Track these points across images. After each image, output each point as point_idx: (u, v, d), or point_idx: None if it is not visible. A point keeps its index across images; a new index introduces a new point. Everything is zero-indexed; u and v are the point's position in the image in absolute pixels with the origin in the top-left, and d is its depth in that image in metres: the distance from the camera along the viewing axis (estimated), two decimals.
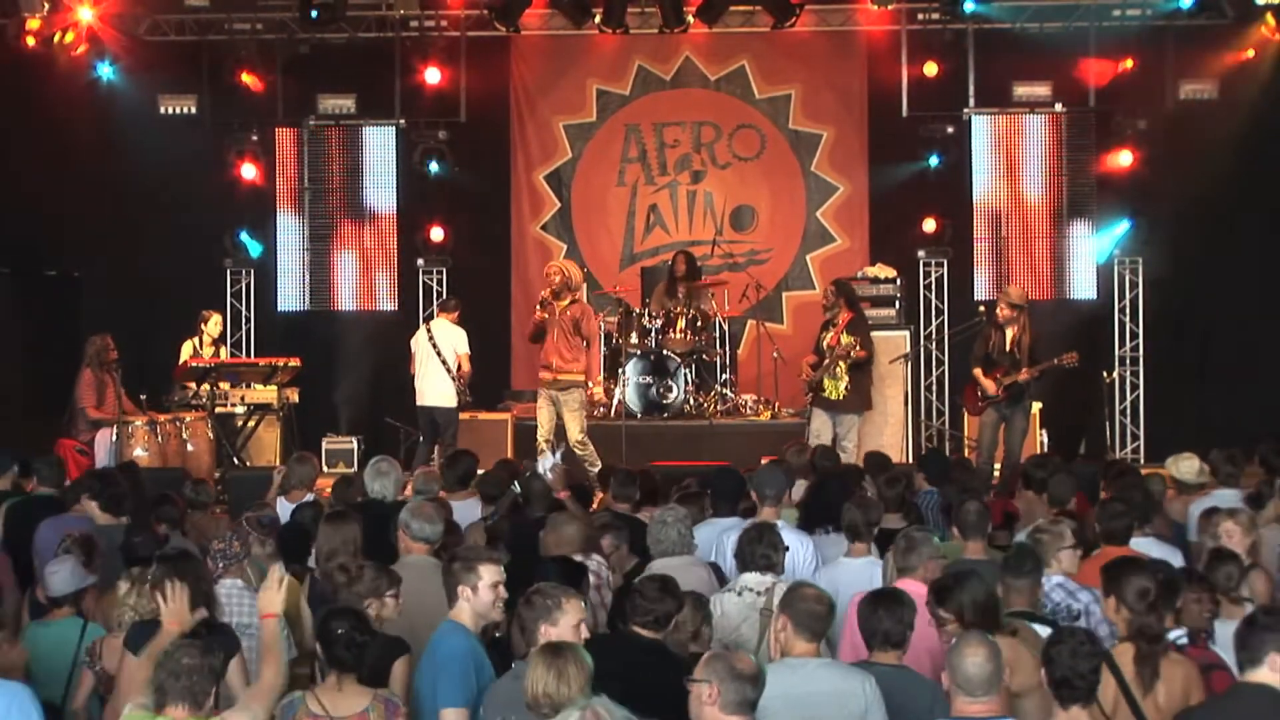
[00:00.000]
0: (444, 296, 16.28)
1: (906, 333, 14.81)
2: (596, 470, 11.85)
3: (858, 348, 12.81)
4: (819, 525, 7.94)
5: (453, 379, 13.22)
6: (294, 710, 5.31)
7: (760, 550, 6.72)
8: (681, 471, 10.84)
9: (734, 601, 6.54)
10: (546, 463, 9.49)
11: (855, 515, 7.37)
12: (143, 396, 13.21)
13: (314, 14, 14.84)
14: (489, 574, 5.61)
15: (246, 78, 15.83)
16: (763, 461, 10.82)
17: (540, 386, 12.85)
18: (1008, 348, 12.53)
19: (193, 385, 13.52)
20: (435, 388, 13.28)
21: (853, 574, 7.08)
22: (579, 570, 6.35)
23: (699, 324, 14.72)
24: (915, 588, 6.12)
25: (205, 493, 9.31)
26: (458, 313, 13.52)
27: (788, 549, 6.93)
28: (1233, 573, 6.42)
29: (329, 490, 9.76)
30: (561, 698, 4.69)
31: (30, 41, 14.40)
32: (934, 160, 15.88)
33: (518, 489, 9.04)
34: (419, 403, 13.43)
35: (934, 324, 16.14)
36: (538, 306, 12.81)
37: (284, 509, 8.83)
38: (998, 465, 12.58)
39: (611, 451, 12.93)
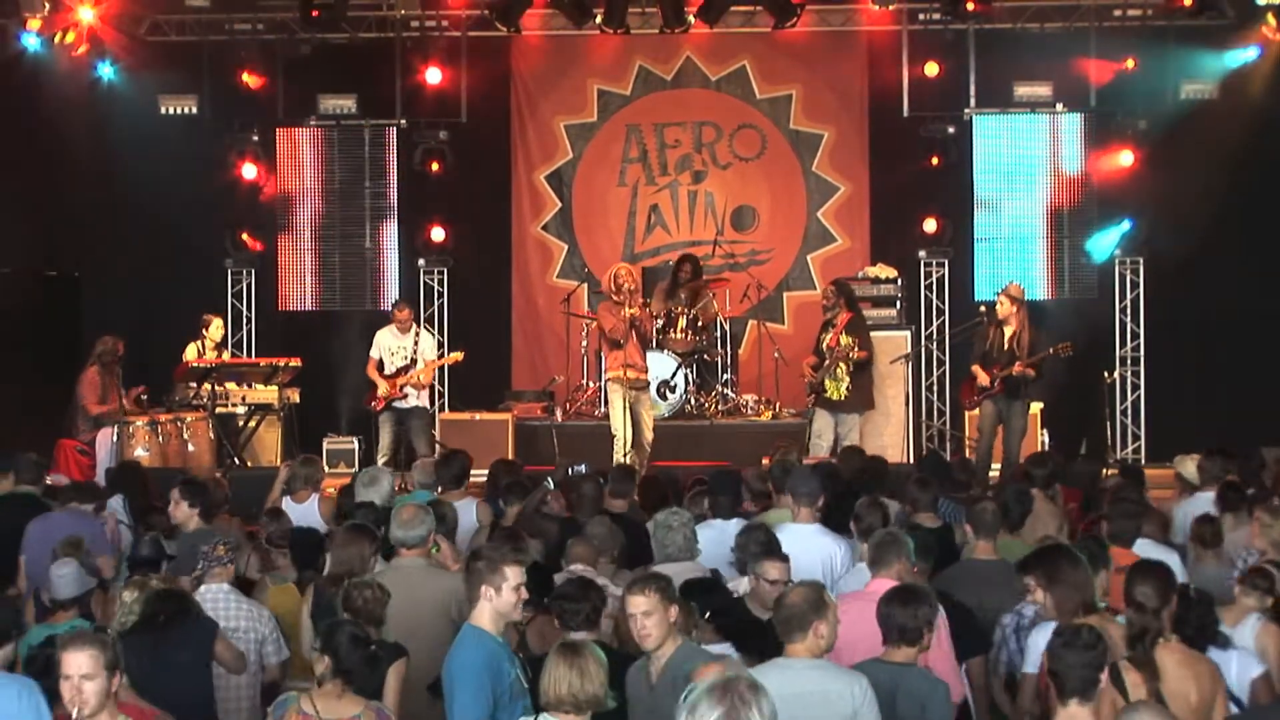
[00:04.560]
0: (443, 296, 16.34)
1: (907, 333, 14.81)
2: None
3: (857, 348, 12.81)
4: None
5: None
6: (285, 707, 5.35)
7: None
8: (681, 472, 10.85)
9: None
10: (550, 486, 9.10)
11: (873, 519, 7.35)
12: (144, 396, 13.22)
13: (314, 14, 14.84)
14: (513, 575, 5.53)
15: (247, 78, 15.83)
16: (763, 462, 10.83)
17: (619, 385, 12.52)
18: (1006, 345, 12.53)
19: (193, 386, 13.52)
20: None
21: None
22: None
23: (699, 324, 14.72)
24: (888, 585, 6.13)
25: (218, 493, 9.23)
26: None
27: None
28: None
29: (329, 491, 9.75)
30: (586, 695, 4.78)
31: (30, 41, 14.39)
32: (935, 160, 15.87)
33: (550, 484, 8.95)
34: None
35: (935, 324, 16.14)
36: (625, 311, 12.48)
37: (290, 510, 8.82)
38: (996, 466, 12.59)
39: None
